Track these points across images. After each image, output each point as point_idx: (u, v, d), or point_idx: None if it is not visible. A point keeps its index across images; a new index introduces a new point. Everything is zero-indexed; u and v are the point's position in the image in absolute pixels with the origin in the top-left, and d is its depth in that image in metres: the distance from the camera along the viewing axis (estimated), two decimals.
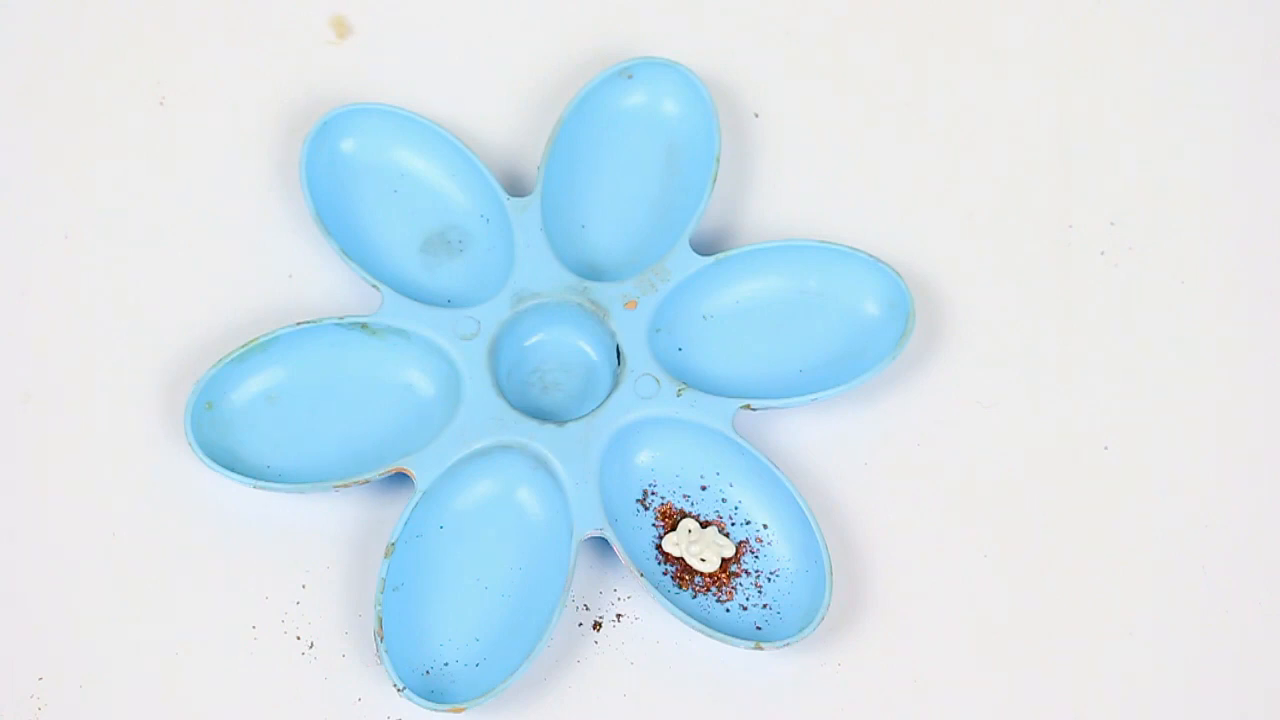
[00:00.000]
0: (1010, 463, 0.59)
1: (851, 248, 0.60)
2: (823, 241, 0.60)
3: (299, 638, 0.56)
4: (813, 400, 0.57)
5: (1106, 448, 0.60)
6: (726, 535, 0.57)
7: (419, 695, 0.53)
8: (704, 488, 0.58)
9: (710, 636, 0.54)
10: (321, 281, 0.62)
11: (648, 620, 0.56)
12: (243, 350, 0.58)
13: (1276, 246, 0.64)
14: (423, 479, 0.56)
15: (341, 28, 0.67)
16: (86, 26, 0.66)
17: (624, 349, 0.59)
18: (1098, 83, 0.67)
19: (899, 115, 0.66)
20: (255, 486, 0.56)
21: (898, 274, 0.59)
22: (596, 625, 0.56)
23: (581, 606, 0.57)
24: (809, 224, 0.63)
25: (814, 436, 0.59)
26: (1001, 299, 0.62)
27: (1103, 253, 0.63)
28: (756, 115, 0.66)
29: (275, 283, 0.62)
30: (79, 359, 0.60)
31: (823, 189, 0.64)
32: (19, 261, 0.62)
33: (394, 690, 0.53)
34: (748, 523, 0.57)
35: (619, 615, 0.56)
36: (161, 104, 0.65)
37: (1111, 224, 0.64)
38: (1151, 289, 0.63)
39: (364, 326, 0.59)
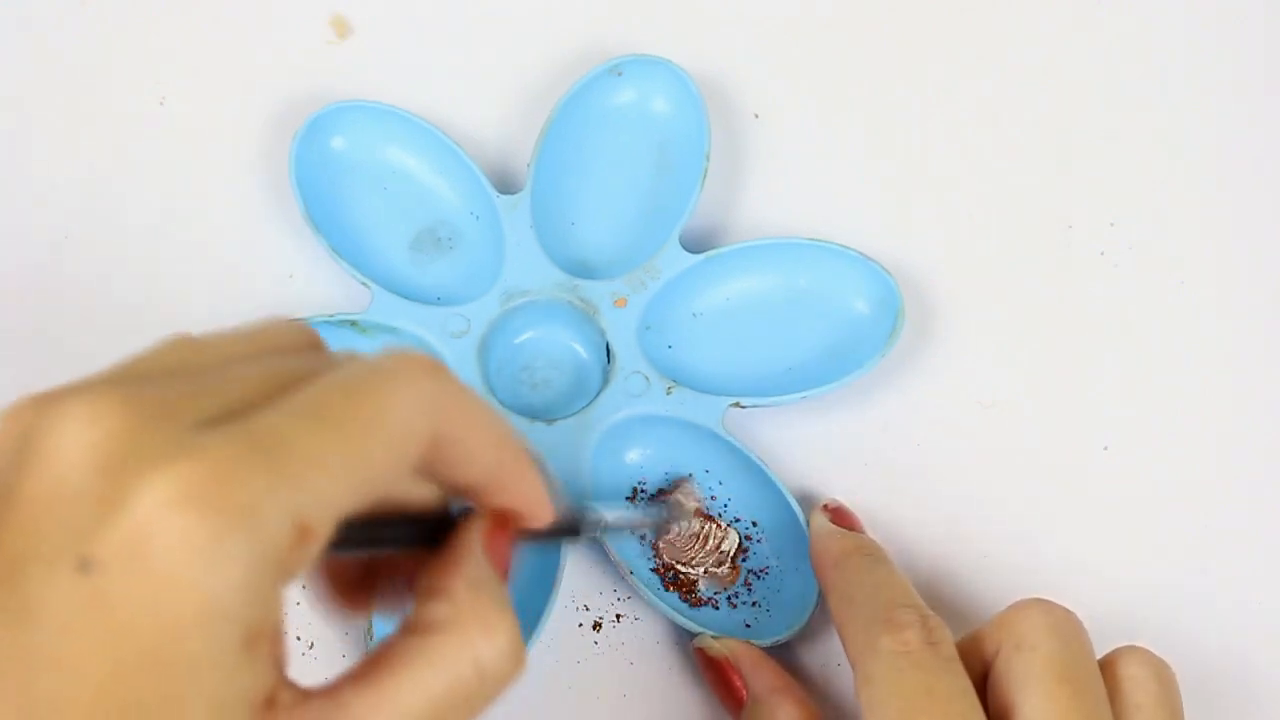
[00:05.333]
0: (1009, 463, 0.59)
1: (842, 246, 0.60)
2: (812, 239, 0.60)
3: (299, 638, 0.56)
4: (802, 398, 0.57)
5: (1106, 448, 0.60)
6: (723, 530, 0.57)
7: None
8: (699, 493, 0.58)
9: (697, 632, 0.54)
10: (311, 279, 0.62)
11: (648, 620, 0.56)
12: None
13: (1276, 246, 0.63)
14: None
15: (342, 27, 0.67)
16: (86, 26, 0.66)
17: (614, 347, 0.59)
18: (1098, 83, 0.66)
19: (896, 114, 0.66)
20: None
21: (887, 272, 0.59)
22: (596, 625, 0.56)
23: (581, 607, 0.56)
24: (803, 222, 0.63)
25: (804, 435, 0.59)
26: (1002, 299, 0.62)
27: (1103, 253, 0.63)
28: (756, 116, 0.66)
29: (272, 282, 0.62)
30: (79, 359, 0.60)
31: (821, 187, 0.64)
32: (19, 262, 0.62)
33: None
34: (737, 520, 0.57)
35: (619, 615, 0.56)
36: (161, 104, 0.65)
37: (1111, 224, 0.64)
38: (1151, 289, 0.63)
39: (354, 324, 0.59)
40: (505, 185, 0.63)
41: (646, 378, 0.58)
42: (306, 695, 0.35)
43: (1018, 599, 0.48)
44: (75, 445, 0.32)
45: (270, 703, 0.33)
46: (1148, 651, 0.48)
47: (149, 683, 0.31)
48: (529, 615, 0.54)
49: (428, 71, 0.66)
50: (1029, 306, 0.62)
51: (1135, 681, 0.47)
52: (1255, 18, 0.68)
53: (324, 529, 0.33)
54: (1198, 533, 0.58)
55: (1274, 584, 0.57)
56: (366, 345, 0.59)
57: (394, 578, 0.41)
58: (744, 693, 0.52)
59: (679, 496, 0.57)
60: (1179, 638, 0.55)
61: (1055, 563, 0.57)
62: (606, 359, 0.59)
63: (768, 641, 0.54)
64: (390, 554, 0.40)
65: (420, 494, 0.39)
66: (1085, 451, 0.60)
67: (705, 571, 0.56)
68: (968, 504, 0.58)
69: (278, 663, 0.34)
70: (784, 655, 0.55)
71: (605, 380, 0.58)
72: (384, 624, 0.54)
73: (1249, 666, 0.56)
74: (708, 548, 0.56)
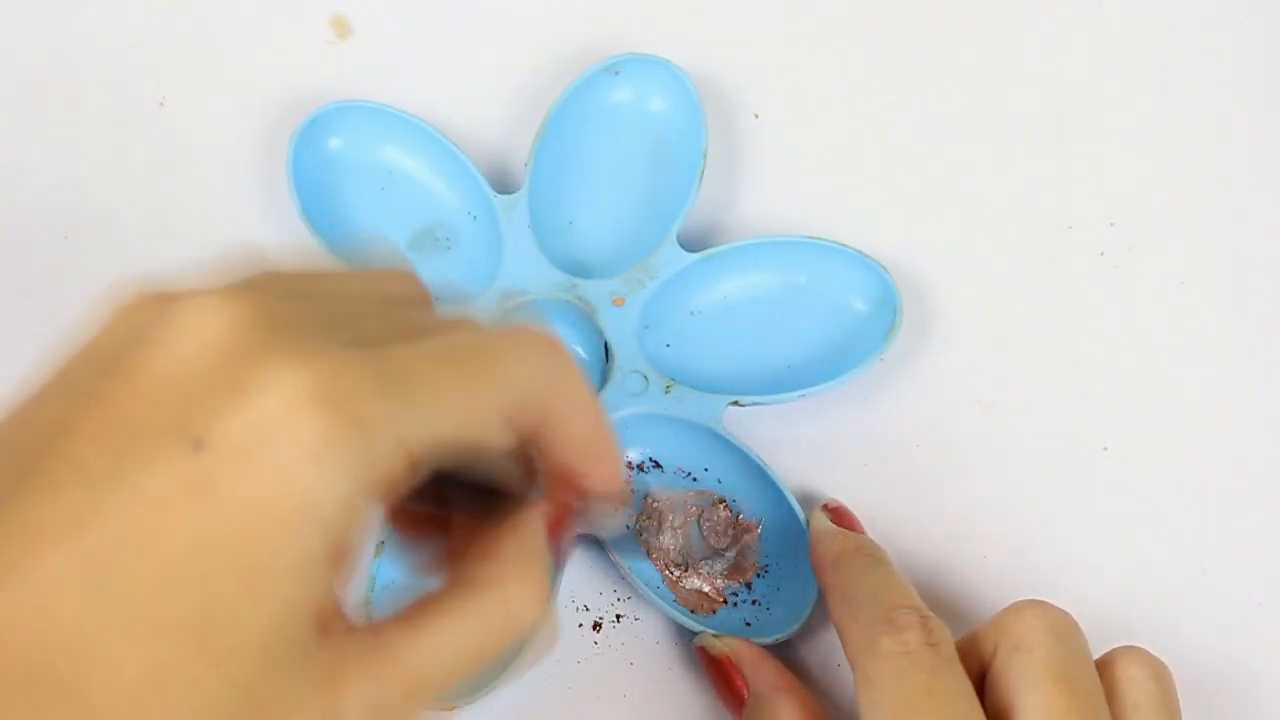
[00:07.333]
0: (1009, 463, 0.59)
1: (840, 244, 0.60)
2: (809, 237, 0.60)
3: None
4: (800, 397, 0.57)
5: (1106, 448, 0.60)
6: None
7: None
8: (694, 482, 0.58)
9: (697, 631, 0.54)
10: None
11: (648, 620, 0.56)
12: None
13: (1276, 246, 0.63)
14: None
15: (342, 27, 0.67)
16: (86, 26, 0.66)
17: (612, 346, 0.59)
18: (1098, 82, 0.66)
19: (896, 114, 0.66)
20: None
21: (885, 270, 0.59)
22: (596, 625, 0.56)
23: (581, 607, 0.56)
24: (802, 221, 0.63)
25: (803, 433, 0.59)
26: (1001, 298, 0.62)
27: (1103, 253, 0.63)
28: (756, 116, 0.66)
29: None
30: None
31: (820, 187, 0.64)
32: (19, 262, 0.62)
33: None
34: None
35: (619, 615, 0.56)
36: (162, 104, 0.65)
37: (1111, 224, 0.64)
38: (1151, 289, 0.63)
39: None
40: (503, 185, 0.63)
41: (645, 376, 0.58)
42: (353, 628, 0.35)
43: (1016, 600, 0.49)
44: (204, 332, 0.32)
45: (326, 626, 0.34)
46: (1146, 652, 0.48)
47: (228, 572, 0.31)
48: None
49: (426, 71, 0.66)
50: (1029, 306, 0.62)
51: (1133, 681, 0.47)
52: (1255, 18, 0.68)
53: (424, 462, 0.34)
54: (1197, 533, 0.58)
55: (1274, 584, 0.57)
56: None
57: (447, 528, 0.42)
58: (746, 691, 0.52)
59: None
60: (1177, 638, 0.55)
61: (1054, 563, 0.57)
62: (605, 358, 0.59)
63: (768, 640, 0.54)
64: (454, 512, 0.41)
65: (501, 462, 0.40)
66: (1085, 451, 0.60)
67: (707, 572, 0.56)
68: (967, 504, 0.58)
69: (343, 586, 0.35)
70: (784, 654, 0.55)
71: (604, 379, 0.58)
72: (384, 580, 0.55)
73: (1247, 667, 0.56)
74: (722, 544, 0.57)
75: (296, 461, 0.31)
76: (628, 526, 0.56)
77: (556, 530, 0.41)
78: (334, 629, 0.34)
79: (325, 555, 0.32)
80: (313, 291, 0.36)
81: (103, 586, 0.30)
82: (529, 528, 0.40)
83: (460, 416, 0.35)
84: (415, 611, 0.37)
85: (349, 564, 0.34)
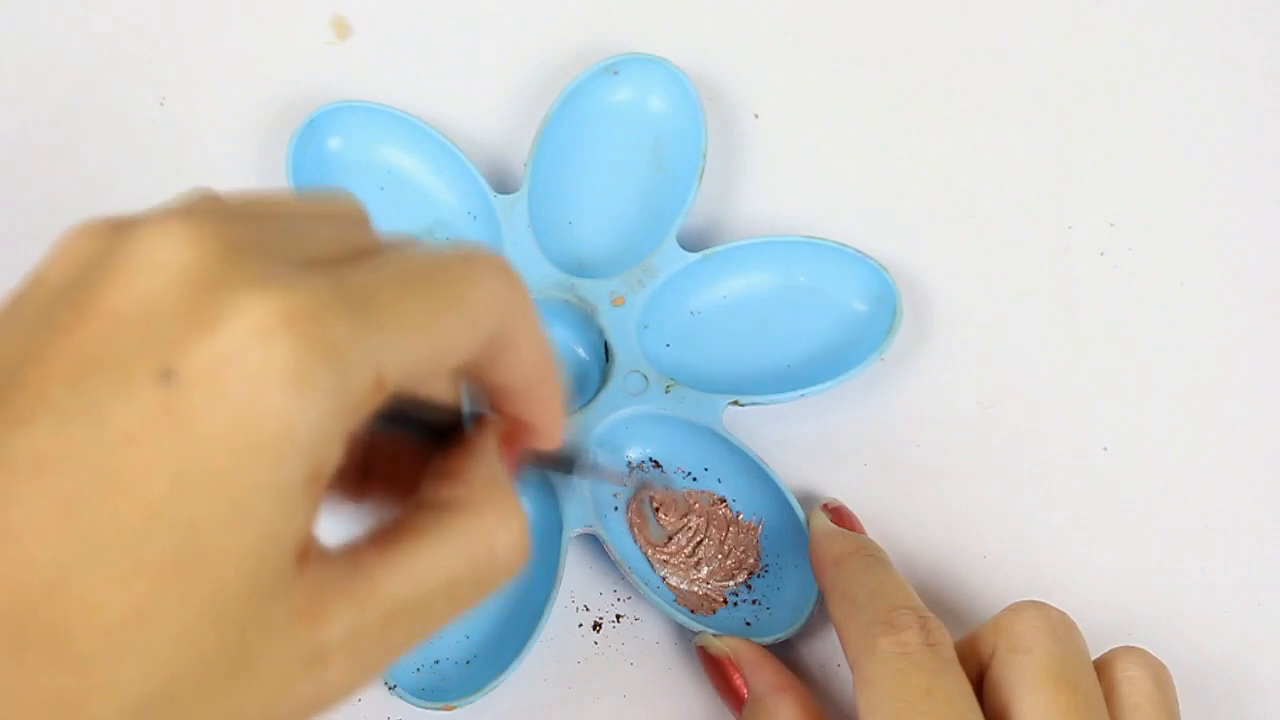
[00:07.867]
0: (1009, 463, 0.59)
1: (839, 243, 0.60)
2: (809, 237, 0.60)
3: None
4: (800, 397, 0.57)
5: (1106, 448, 0.60)
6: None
7: (409, 693, 0.53)
8: (694, 481, 0.58)
9: (697, 631, 0.54)
10: None
11: (648, 620, 0.56)
12: None
13: (1276, 246, 0.63)
14: None
15: (342, 28, 0.67)
16: (86, 26, 0.66)
17: (612, 345, 0.59)
18: (1097, 83, 0.66)
19: (896, 113, 0.66)
20: None
21: (884, 269, 0.59)
22: (596, 626, 0.56)
23: (581, 607, 0.56)
24: (801, 220, 0.63)
25: (803, 433, 0.59)
26: (1001, 299, 0.62)
27: (1103, 253, 0.63)
28: (756, 116, 0.66)
29: None
30: None
31: (820, 186, 0.64)
32: (20, 265, 0.62)
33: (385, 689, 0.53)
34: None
35: (619, 616, 0.56)
36: (162, 104, 0.65)
37: (1111, 224, 0.64)
38: (1151, 289, 0.62)
39: None
40: (502, 185, 0.63)
41: (645, 376, 0.58)
42: (327, 553, 0.34)
43: (1016, 600, 0.49)
44: (165, 259, 0.32)
45: (305, 555, 0.33)
46: (1145, 652, 0.48)
47: (206, 504, 0.31)
48: (529, 615, 0.54)
49: (426, 71, 0.66)
50: (1028, 306, 0.62)
51: (1132, 682, 0.47)
52: (1255, 17, 0.67)
53: (392, 388, 0.33)
54: (1197, 533, 0.58)
55: (1273, 584, 0.57)
56: None
57: (388, 476, 0.41)
58: (745, 691, 0.52)
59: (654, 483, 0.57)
60: (1177, 638, 0.55)
61: (1054, 563, 0.57)
62: (605, 358, 0.59)
63: (768, 640, 0.54)
64: (390, 448, 0.40)
65: (445, 389, 0.39)
66: (1085, 452, 0.60)
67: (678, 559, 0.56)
68: (967, 504, 0.58)
69: (318, 513, 0.34)
70: (784, 653, 0.55)
71: (604, 379, 0.58)
72: None
73: (1247, 667, 0.56)
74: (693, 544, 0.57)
75: (270, 387, 0.31)
76: (631, 527, 0.57)
77: (507, 452, 0.41)
78: (312, 558, 0.33)
79: (303, 482, 0.32)
80: (261, 215, 0.35)
81: (78, 525, 0.30)
82: (486, 447, 0.39)
83: (430, 344, 0.34)
84: (390, 535, 0.36)
85: (323, 492, 0.33)
